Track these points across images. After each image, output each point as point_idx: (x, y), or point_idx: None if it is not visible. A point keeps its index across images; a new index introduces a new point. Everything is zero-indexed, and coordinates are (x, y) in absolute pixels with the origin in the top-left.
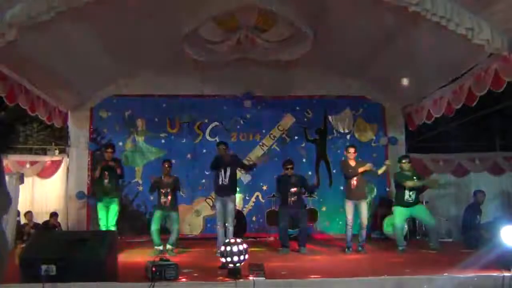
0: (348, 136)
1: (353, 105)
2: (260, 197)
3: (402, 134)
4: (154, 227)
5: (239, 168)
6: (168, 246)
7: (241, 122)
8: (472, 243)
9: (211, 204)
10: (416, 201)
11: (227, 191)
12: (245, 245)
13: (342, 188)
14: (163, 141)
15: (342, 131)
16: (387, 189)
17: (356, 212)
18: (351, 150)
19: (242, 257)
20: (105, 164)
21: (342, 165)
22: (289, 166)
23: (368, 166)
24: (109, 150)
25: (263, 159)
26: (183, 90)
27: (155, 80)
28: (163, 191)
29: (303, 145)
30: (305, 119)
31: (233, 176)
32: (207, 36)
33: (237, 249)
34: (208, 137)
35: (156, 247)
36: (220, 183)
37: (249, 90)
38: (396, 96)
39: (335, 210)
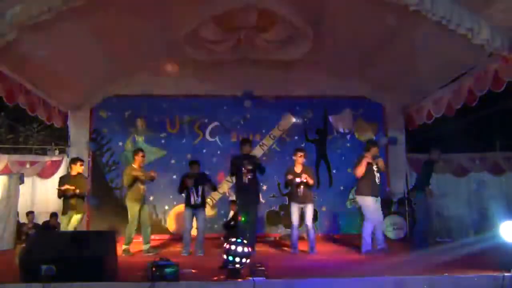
0: (348, 136)
1: (353, 105)
2: (259, 197)
3: (402, 134)
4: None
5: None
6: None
7: (241, 122)
8: None
9: (211, 204)
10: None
11: (198, 207)
12: (250, 249)
13: (342, 188)
14: (163, 141)
15: (342, 131)
16: (387, 189)
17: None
18: (299, 153)
19: (244, 260)
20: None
21: (286, 172)
22: (245, 144)
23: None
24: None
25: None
26: (183, 90)
27: (155, 80)
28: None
29: (303, 145)
30: (305, 119)
31: (203, 194)
32: (207, 36)
33: (241, 249)
34: (208, 137)
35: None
36: (193, 202)
37: (249, 90)
38: (396, 96)
39: (335, 210)
